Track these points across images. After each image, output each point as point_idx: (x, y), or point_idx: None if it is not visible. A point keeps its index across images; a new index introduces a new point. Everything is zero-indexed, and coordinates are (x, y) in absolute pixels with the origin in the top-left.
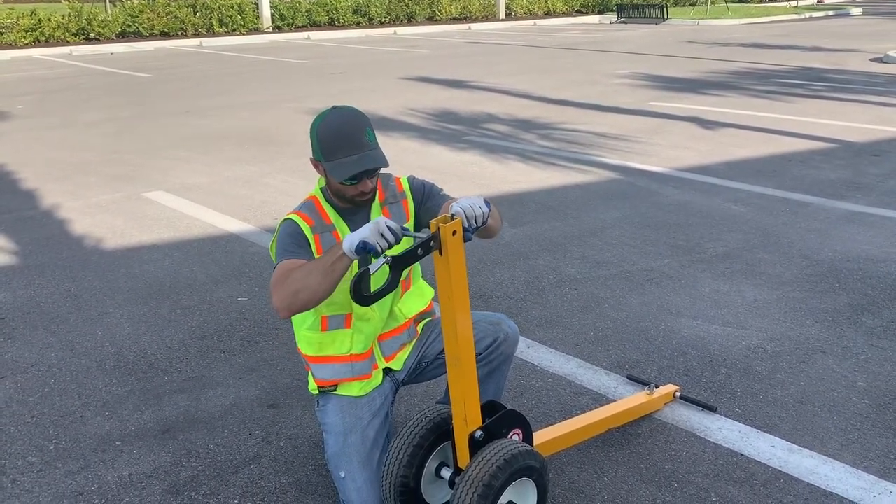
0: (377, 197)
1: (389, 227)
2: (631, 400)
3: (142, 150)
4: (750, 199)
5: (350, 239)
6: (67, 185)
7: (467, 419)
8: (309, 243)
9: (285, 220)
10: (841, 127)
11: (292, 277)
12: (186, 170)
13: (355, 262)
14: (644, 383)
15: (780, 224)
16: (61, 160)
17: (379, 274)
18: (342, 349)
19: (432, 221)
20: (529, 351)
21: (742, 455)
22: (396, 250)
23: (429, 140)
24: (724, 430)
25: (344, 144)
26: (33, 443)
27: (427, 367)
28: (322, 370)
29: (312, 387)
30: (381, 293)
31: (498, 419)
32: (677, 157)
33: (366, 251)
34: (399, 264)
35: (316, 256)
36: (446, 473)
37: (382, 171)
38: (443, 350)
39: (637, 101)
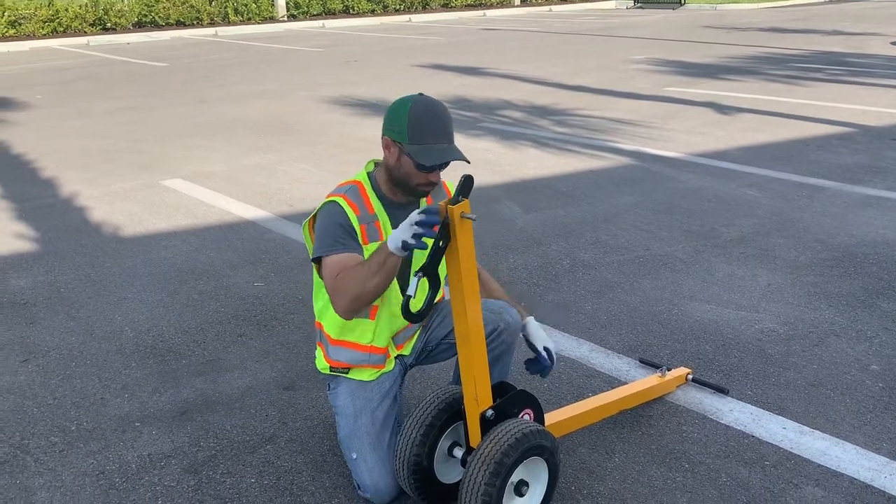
0: (426, 201)
1: (420, 213)
2: (643, 382)
3: (159, 139)
4: (766, 183)
5: (394, 241)
6: (86, 174)
7: (478, 399)
8: (356, 231)
9: (331, 202)
10: (860, 111)
11: (350, 281)
12: (203, 158)
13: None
14: (656, 366)
15: (796, 209)
16: (80, 149)
17: (421, 287)
18: (364, 339)
19: (441, 203)
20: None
21: (753, 437)
22: (420, 258)
23: None
24: (736, 413)
25: (437, 131)
26: (55, 423)
27: (433, 350)
28: (339, 353)
29: (322, 365)
30: (428, 302)
31: (509, 399)
32: (693, 143)
33: (408, 249)
34: (431, 269)
35: (360, 244)
36: (458, 453)
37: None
38: (448, 333)
39: (653, 87)
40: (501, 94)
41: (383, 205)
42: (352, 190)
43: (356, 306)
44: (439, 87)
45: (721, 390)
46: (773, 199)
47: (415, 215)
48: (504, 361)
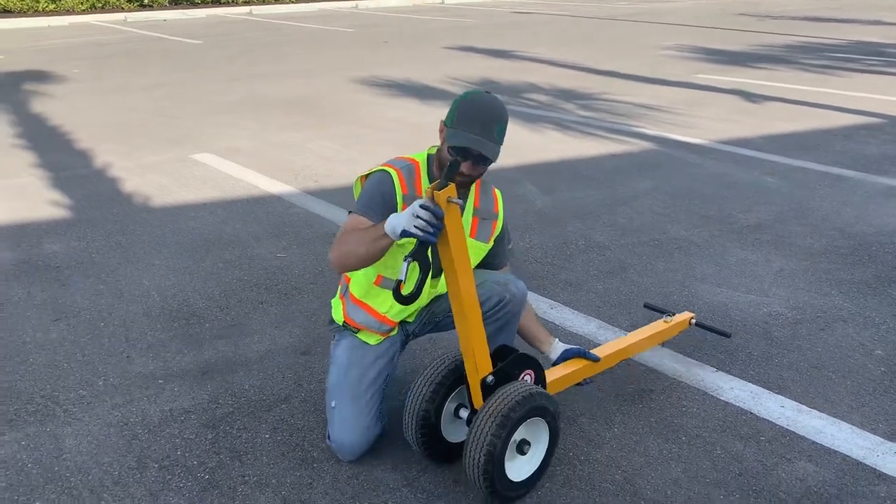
0: (473, 202)
1: (424, 207)
2: (646, 329)
3: (191, 115)
4: (788, 172)
5: (392, 224)
6: (119, 146)
7: (478, 367)
8: (397, 208)
9: (386, 172)
10: (892, 102)
11: (348, 240)
12: (233, 134)
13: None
14: (661, 311)
15: (816, 197)
16: (114, 122)
17: (411, 271)
18: (382, 307)
19: (428, 188)
20: (552, 311)
21: (751, 413)
22: (409, 245)
23: None
24: (736, 390)
25: (474, 122)
26: (84, 378)
27: (440, 321)
28: (357, 313)
29: (338, 317)
30: (418, 286)
31: (509, 363)
32: (718, 130)
33: (408, 236)
34: (419, 255)
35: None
36: (464, 413)
37: (484, 182)
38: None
39: (681, 74)
40: (528, 77)
41: None
42: (407, 168)
43: (344, 262)
44: (467, 70)
45: (724, 334)
46: (794, 188)
47: (417, 206)
48: (509, 329)
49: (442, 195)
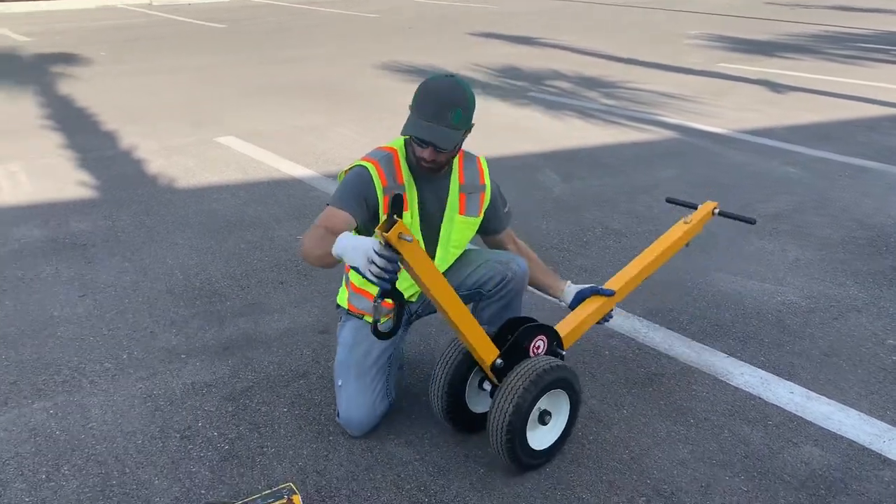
0: (457, 178)
1: (380, 255)
2: (663, 239)
3: (215, 98)
4: (809, 162)
5: (342, 249)
6: (144, 128)
7: (484, 357)
8: (376, 201)
9: (364, 167)
10: None
11: (312, 237)
12: (256, 117)
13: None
14: (683, 205)
15: (837, 188)
16: (139, 105)
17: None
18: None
19: (376, 229)
20: None
21: (760, 398)
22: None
23: (490, 95)
24: (746, 376)
25: (428, 108)
26: (109, 352)
27: None
28: (358, 300)
29: (342, 302)
30: (396, 321)
31: (516, 339)
32: (741, 120)
33: (363, 278)
34: (388, 294)
35: (381, 216)
36: (488, 386)
37: (468, 155)
38: (456, 288)
39: (706, 62)
40: (552, 64)
41: (413, 177)
42: (386, 158)
43: (305, 256)
44: (489, 56)
45: (748, 221)
46: (815, 178)
47: (372, 252)
48: (515, 305)
49: (392, 235)
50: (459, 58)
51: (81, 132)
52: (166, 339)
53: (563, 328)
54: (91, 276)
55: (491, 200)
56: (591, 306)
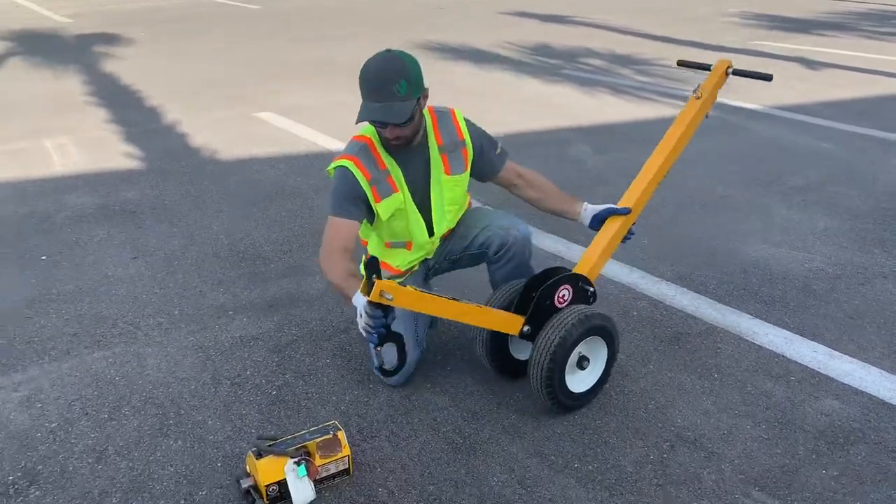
0: (435, 141)
1: (367, 313)
2: (683, 117)
3: (252, 76)
4: (841, 137)
5: (354, 301)
6: (185, 104)
7: (509, 331)
8: (366, 196)
9: (341, 166)
10: None
11: (328, 263)
12: (292, 94)
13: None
14: (696, 67)
15: (868, 162)
16: (181, 81)
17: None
18: (395, 262)
19: (359, 290)
20: None
21: (784, 356)
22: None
23: (522, 73)
24: (771, 336)
25: (371, 90)
26: (161, 308)
27: (457, 260)
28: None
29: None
30: (400, 361)
31: (541, 296)
32: (774, 96)
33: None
34: (385, 338)
35: (373, 205)
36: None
37: (439, 112)
38: (468, 245)
39: (742, 40)
40: (585, 42)
41: (393, 157)
42: (363, 149)
43: (324, 275)
44: (521, 35)
45: (764, 77)
46: (846, 152)
47: (361, 308)
48: (523, 266)
49: (374, 297)
50: (491, 36)
51: (125, 108)
52: (214, 298)
53: (585, 266)
54: (141, 240)
55: (475, 152)
56: (608, 231)
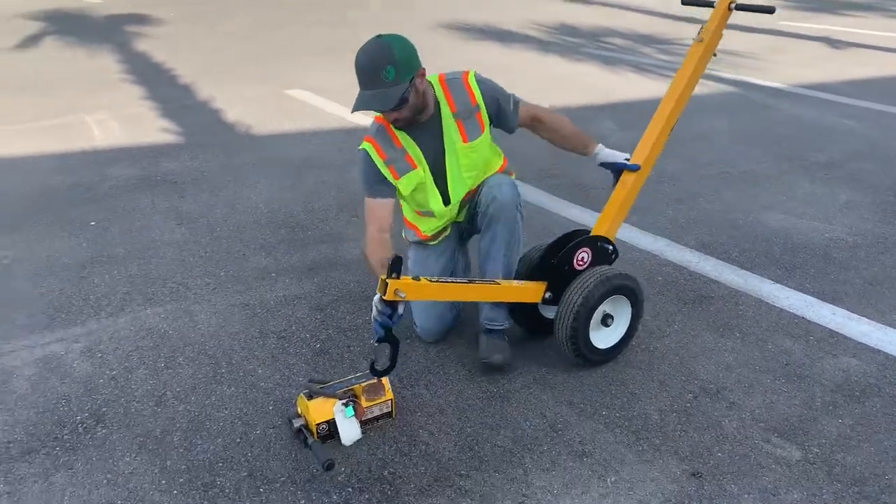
0: (449, 110)
1: (378, 308)
2: (687, 64)
3: (282, 54)
4: (865, 115)
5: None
6: (218, 81)
7: (531, 301)
8: (387, 173)
9: (362, 149)
10: None
11: (368, 248)
12: (322, 72)
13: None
14: (701, 4)
15: (890, 138)
16: (211, 60)
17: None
18: (424, 228)
19: (379, 286)
20: (623, 231)
21: (803, 318)
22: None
23: (547, 51)
24: (791, 299)
25: (362, 78)
26: (207, 270)
27: (473, 220)
28: (409, 233)
29: (402, 234)
30: (392, 361)
31: (559, 261)
32: (798, 75)
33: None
34: (383, 338)
35: (393, 182)
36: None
37: (450, 80)
38: (474, 208)
39: (767, 20)
40: (609, 22)
41: (408, 134)
42: (380, 131)
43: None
44: (546, 14)
45: (766, 10)
46: (870, 130)
47: (375, 303)
48: (499, 237)
49: (389, 296)
50: (517, 16)
51: (160, 85)
52: (257, 261)
53: (602, 226)
54: (184, 209)
55: (490, 112)
56: (623, 189)
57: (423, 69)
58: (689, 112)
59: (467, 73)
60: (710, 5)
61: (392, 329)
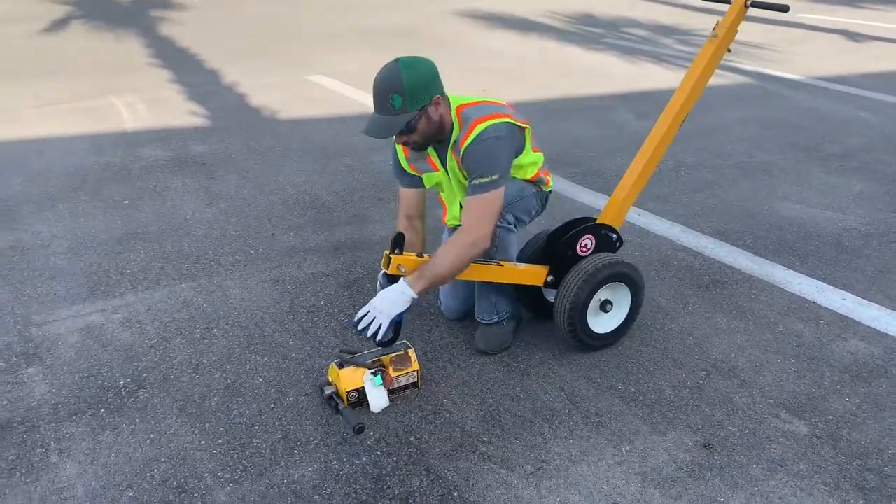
0: (459, 142)
1: (380, 282)
2: (699, 61)
3: (304, 41)
4: (881, 108)
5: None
6: (241, 67)
7: (534, 283)
8: (405, 171)
9: (394, 145)
10: None
11: (397, 228)
12: (344, 59)
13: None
14: (718, 0)
15: None
16: (234, 46)
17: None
18: (448, 216)
19: (385, 253)
20: (640, 218)
21: (815, 303)
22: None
23: (566, 41)
24: (804, 285)
25: (375, 99)
26: (238, 248)
27: None
28: (442, 212)
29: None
30: (395, 335)
31: (562, 247)
32: (815, 67)
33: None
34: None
35: (410, 171)
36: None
37: (467, 113)
38: None
39: (788, 13)
40: (629, 12)
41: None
42: None
43: None
44: (566, 4)
45: (781, 8)
46: (886, 122)
47: (378, 278)
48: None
49: (392, 270)
50: (536, 6)
51: (186, 70)
52: (286, 240)
53: (608, 215)
54: (214, 189)
55: (463, 161)
56: (629, 179)
57: (439, 97)
58: (708, 103)
59: (478, 121)
60: (727, 2)
61: None
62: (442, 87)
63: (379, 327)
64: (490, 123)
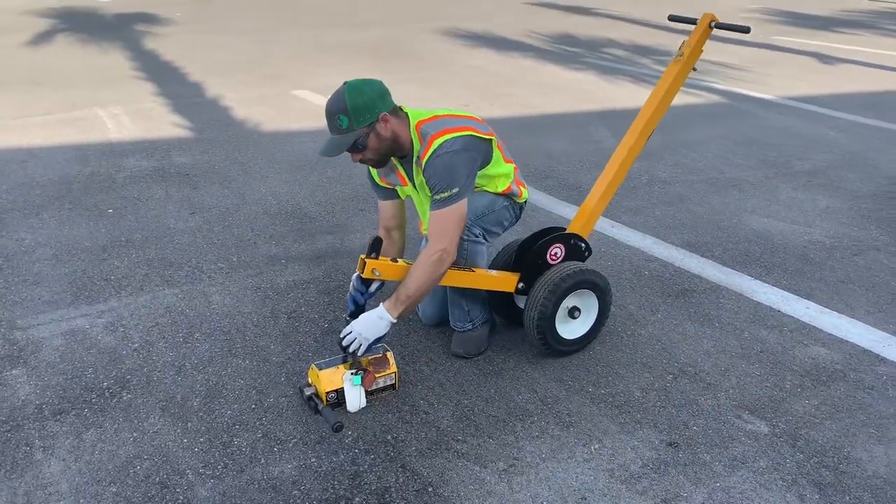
0: (420, 156)
1: (354, 284)
2: (662, 81)
3: (287, 56)
4: (849, 127)
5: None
6: (226, 81)
7: (505, 289)
8: (379, 185)
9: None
10: None
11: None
12: (327, 73)
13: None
14: (685, 21)
15: (872, 150)
16: (218, 60)
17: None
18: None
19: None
20: (613, 229)
21: (779, 311)
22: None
23: (545, 60)
24: (769, 294)
25: (327, 123)
26: (221, 255)
27: None
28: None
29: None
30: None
31: (532, 255)
32: (787, 87)
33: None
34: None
35: (382, 185)
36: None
37: (426, 129)
38: None
39: (761, 35)
40: (608, 33)
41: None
42: None
43: None
44: (546, 24)
45: (742, 30)
46: (853, 141)
47: (352, 280)
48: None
49: (367, 274)
50: (516, 26)
51: (170, 82)
52: (267, 248)
53: (577, 224)
54: (197, 199)
55: (424, 172)
56: (598, 190)
57: (386, 115)
58: (682, 120)
59: (435, 137)
60: (694, 22)
61: (364, 306)
62: (391, 105)
63: (359, 347)
64: (446, 138)
